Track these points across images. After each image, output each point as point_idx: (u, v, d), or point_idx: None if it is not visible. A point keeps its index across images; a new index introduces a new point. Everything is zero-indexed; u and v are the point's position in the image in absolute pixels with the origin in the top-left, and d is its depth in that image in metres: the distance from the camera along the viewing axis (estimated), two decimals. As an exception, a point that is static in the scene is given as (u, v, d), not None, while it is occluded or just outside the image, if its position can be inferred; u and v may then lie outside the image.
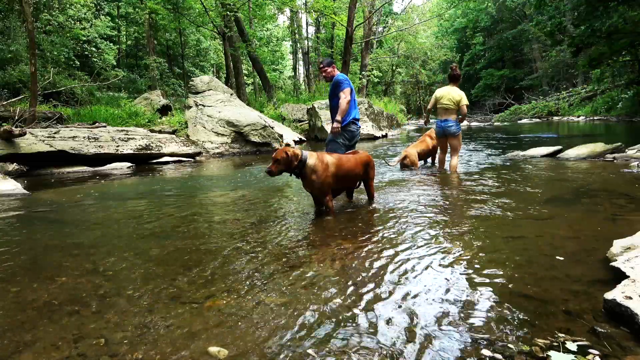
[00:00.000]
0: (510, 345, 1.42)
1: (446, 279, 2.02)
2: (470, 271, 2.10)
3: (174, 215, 3.71)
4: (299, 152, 3.30)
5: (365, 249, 2.51)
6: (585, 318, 1.58)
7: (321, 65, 4.42)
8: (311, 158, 3.29)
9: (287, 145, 11.09)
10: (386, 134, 15.81)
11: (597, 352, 1.35)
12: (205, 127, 10.55)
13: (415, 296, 1.84)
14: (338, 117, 4.06)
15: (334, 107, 4.28)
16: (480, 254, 2.33)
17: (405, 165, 6.13)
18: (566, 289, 1.84)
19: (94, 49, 16.10)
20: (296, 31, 28.77)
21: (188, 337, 1.55)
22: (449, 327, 1.56)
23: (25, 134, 6.88)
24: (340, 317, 1.66)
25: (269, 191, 4.77)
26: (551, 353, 1.35)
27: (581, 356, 1.34)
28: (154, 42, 19.46)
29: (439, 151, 6.20)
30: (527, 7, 27.15)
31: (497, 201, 3.65)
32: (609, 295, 1.59)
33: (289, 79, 31.37)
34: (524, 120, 24.00)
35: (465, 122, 25.10)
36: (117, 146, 8.01)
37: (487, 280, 1.97)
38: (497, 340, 1.45)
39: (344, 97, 4.08)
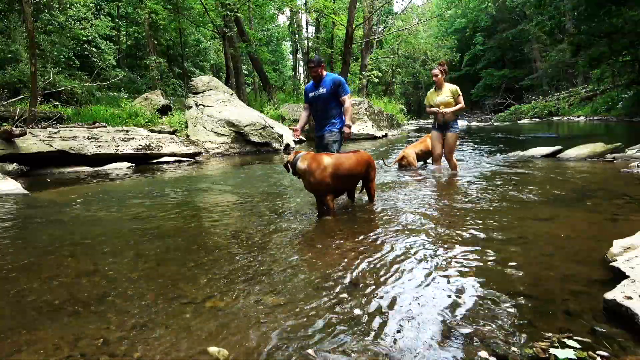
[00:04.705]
0: (508, 346, 1.42)
1: (445, 279, 2.02)
2: (469, 271, 2.10)
3: (173, 215, 3.71)
4: (291, 158, 3.41)
5: (365, 250, 2.51)
6: (585, 318, 1.58)
7: (312, 65, 4.10)
8: (302, 162, 3.31)
9: (287, 145, 11.09)
10: (386, 134, 15.82)
11: (597, 352, 1.35)
12: (205, 127, 10.55)
13: (413, 296, 1.84)
14: (349, 122, 4.05)
15: (332, 108, 4.10)
16: (480, 254, 2.33)
17: (403, 165, 6.11)
18: (566, 289, 1.84)
19: (94, 49, 16.07)
20: (296, 31, 28.75)
21: (188, 337, 1.55)
22: (448, 328, 1.56)
23: (25, 134, 6.87)
24: (340, 318, 1.66)
25: (269, 191, 4.77)
26: (552, 351, 1.35)
27: (581, 351, 1.34)
28: (154, 42, 19.44)
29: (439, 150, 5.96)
30: (527, 7, 27.14)
31: (496, 201, 3.65)
32: (609, 295, 1.59)
33: (289, 79, 31.33)
34: (524, 120, 24.01)
35: (465, 122, 24.54)
36: (117, 146, 8.01)
37: (487, 280, 1.97)
38: (496, 341, 1.45)
39: (350, 101, 4.16)
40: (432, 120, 5.43)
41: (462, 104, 5.10)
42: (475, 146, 9.70)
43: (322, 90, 4.09)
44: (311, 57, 4.42)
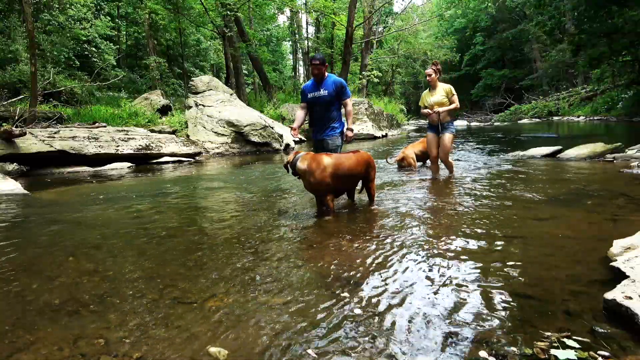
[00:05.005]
0: (508, 346, 1.42)
1: (445, 279, 2.02)
2: (469, 271, 2.10)
3: (174, 215, 3.71)
4: (291, 158, 3.41)
5: (365, 250, 2.51)
6: (585, 318, 1.58)
7: (316, 62, 3.94)
8: (302, 162, 3.32)
9: (287, 145, 11.09)
10: (386, 134, 15.83)
11: (597, 352, 1.35)
12: (205, 127, 10.55)
13: (413, 296, 1.84)
14: (351, 126, 4.03)
15: (333, 111, 4.06)
16: (480, 254, 2.33)
17: (403, 166, 6.13)
18: (566, 289, 1.84)
19: (94, 49, 16.07)
20: (296, 31, 28.74)
21: (188, 337, 1.55)
22: (448, 327, 1.56)
23: (25, 134, 6.87)
24: (341, 317, 1.66)
25: (269, 191, 4.77)
26: (553, 351, 1.35)
27: (581, 352, 1.35)
28: (154, 42, 19.43)
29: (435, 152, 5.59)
30: (527, 7, 27.18)
31: (496, 201, 3.65)
32: (609, 295, 1.59)
33: (289, 79, 31.33)
34: (524, 120, 24.03)
35: (465, 122, 24.41)
36: (117, 146, 8.01)
37: (487, 280, 1.97)
38: (496, 342, 1.45)
39: (352, 103, 4.13)
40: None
41: (456, 104, 4.96)
42: (476, 146, 9.70)
43: (323, 92, 3.99)
44: (313, 55, 4.22)
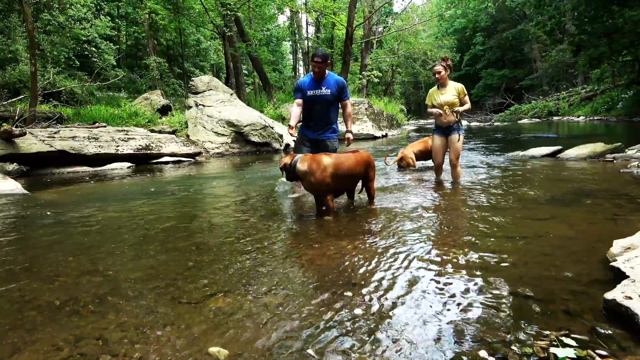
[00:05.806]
0: (508, 346, 1.42)
1: (445, 279, 2.02)
2: (469, 271, 2.10)
3: (174, 215, 3.71)
4: (288, 161, 3.37)
5: (366, 250, 2.51)
6: (585, 318, 1.58)
7: (318, 60, 3.77)
8: (302, 163, 3.31)
9: (287, 145, 11.10)
10: (386, 134, 15.84)
11: (596, 352, 1.35)
12: (205, 127, 10.55)
13: (414, 296, 1.84)
14: (352, 129, 3.99)
15: (333, 112, 4.03)
16: (480, 254, 2.33)
17: (402, 166, 6.13)
18: (566, 289, 1.84)
19: (94, 49, 16.08)
20: (296, 31, 28.75)
21: (188, 337, 1.55)
22: (447, 328, 1.56)
23: (25, 134, 6.87)
24: (341, 317, 1.66)
25: (269, 191, 4.77)
26: (552, 350, 1.35)
27: (580, 350, 1.35)
28: (154, 42, 19.42)
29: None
30: (527, 7, 27.19)
31: (496, 201, 3.65)
32: (609, 295, 1.59)
33: (289, 79, 31.34)
34: (524, 120, 24.03)
35: (465, 122, 24.49)
36: (117, 146, 8.01)
37: (487, 280, 1.97)
38: (495, 341, 1.45)
39: (352, 106, 4.07)
40: (433, 120, 4.77)
41: (468, 105, 4.52)
42: (476, 146, 9.70)
43: (325, 90, 3.89)
44: (314, 51, 4.02)
